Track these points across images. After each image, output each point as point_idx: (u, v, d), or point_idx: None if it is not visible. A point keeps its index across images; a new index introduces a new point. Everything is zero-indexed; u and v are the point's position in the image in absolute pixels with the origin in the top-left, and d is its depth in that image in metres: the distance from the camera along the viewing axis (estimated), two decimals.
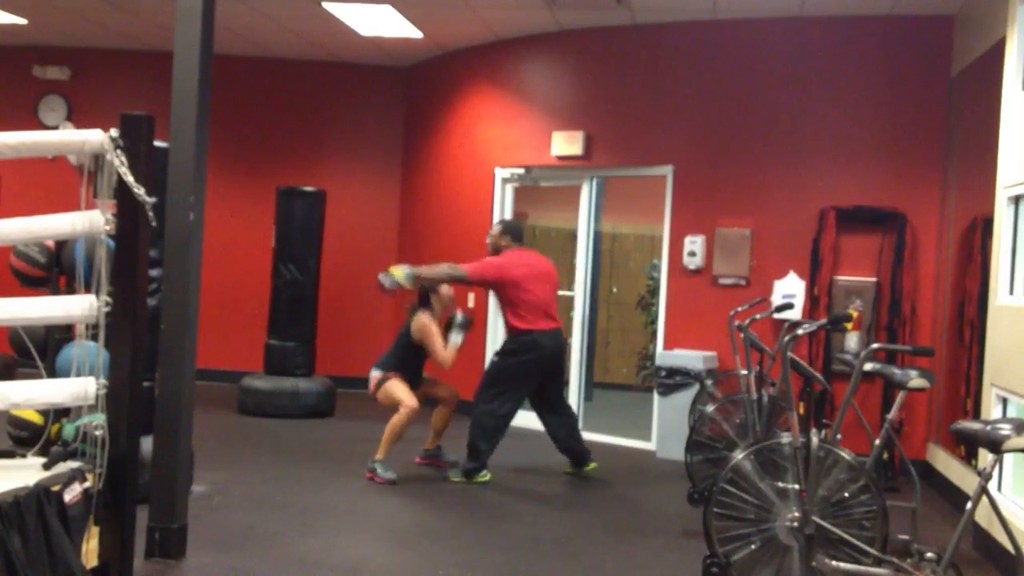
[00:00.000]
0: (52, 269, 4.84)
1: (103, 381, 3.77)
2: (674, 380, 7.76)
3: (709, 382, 7.43)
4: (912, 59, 7.72)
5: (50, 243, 4.78)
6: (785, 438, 4.38)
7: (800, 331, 4.74)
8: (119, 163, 3.72)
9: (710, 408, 6.29)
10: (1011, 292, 5.57)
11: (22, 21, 9.64)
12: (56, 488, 3.40)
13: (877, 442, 4.79)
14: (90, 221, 3.76)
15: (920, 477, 5.44)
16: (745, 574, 4.28)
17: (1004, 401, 5.48)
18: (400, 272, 6.49)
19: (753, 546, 4.30)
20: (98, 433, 3.70)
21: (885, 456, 6.54)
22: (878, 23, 7.77)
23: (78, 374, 3.79)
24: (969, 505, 3.51)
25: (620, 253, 12.36)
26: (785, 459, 4.33)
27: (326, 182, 10.00)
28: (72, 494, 3.47)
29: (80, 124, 10.06)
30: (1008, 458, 5.27)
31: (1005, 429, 3.42)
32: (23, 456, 4.00)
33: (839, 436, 4.79)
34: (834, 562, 4.03)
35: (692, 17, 8.16)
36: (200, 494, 5.77)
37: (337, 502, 5.96)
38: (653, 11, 8.07)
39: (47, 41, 10.62)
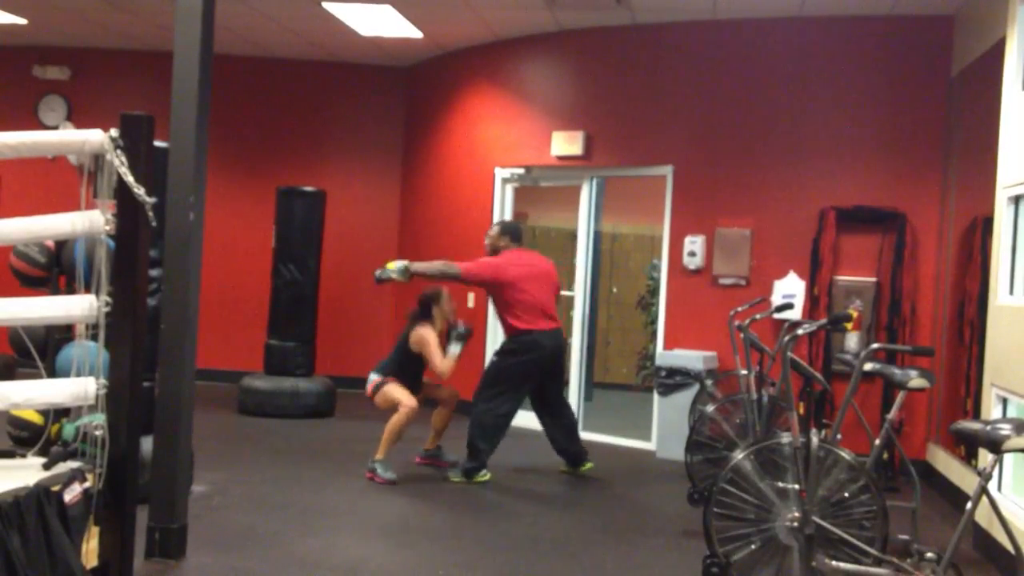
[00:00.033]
0: (52, 269, 4.84)
1: (103, 381, 3.77)
2: (674, 380, 7.76)
3: (709, 382, 7.43)
4: (912, 59, 7.72)
5: (50, 243, 4.77)
6: (785, 438, 4.38)
7: (800, 331, 4.74)
8: (119, 163, 3.72)
9: (710, 408, 6.29)
10: (1011, 292, 5.57)
11: (22, 21, 9.64)
12: (56, 488, 3.40)
13: (877, 442, 4.79)
14: (90, 221, 3.76)
15: (920, 477, 5.44)
16: (745, 574, 4.28)
17: (1004, 401, 5.48)
18: (393, 264, 6.56)
19: (753, 546, 4.30)
20: (98, 433, 3.70)
21: (885, 456, 6.54)
22: (878, 23, 7.77)
23: (78, 374, 3.79)
24: (969, 505, 3.51)
25: (620, 253, 12.36)
26: (785, 459, 4.33)
27: (326, 182, 10.00)
28: (72, 494, 3.47)
29: (80, 124, 10.05)
30: (1008, 458, 5.27)
31: (1005, 429, 3.42)
32: (23, 456, 4.00)
33: (839, 436, 4.79)
34: (834, 562, 4.03)
35: (692, 17, 8.16)
36: (200, 494, 5.77)
37: (337, 502, 5.96)
38: (653, 11, 8.07)
39: (47, 41, 10.62)
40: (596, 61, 8.78)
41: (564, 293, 7.31)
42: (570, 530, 5.65)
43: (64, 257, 4.79)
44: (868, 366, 4.87)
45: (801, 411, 5.88)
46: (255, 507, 5.71)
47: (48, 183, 10.21)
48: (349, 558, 4.88)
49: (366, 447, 6.93)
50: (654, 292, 10.02)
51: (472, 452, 6.65)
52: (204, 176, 4.74)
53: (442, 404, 6.95)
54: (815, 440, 4.18)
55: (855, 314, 5.88)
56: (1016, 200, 5.60)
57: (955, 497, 6.35)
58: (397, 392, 6.54)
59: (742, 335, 5.96)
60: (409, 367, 6.64)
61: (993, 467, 3.48)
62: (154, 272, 4.88)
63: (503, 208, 9.23)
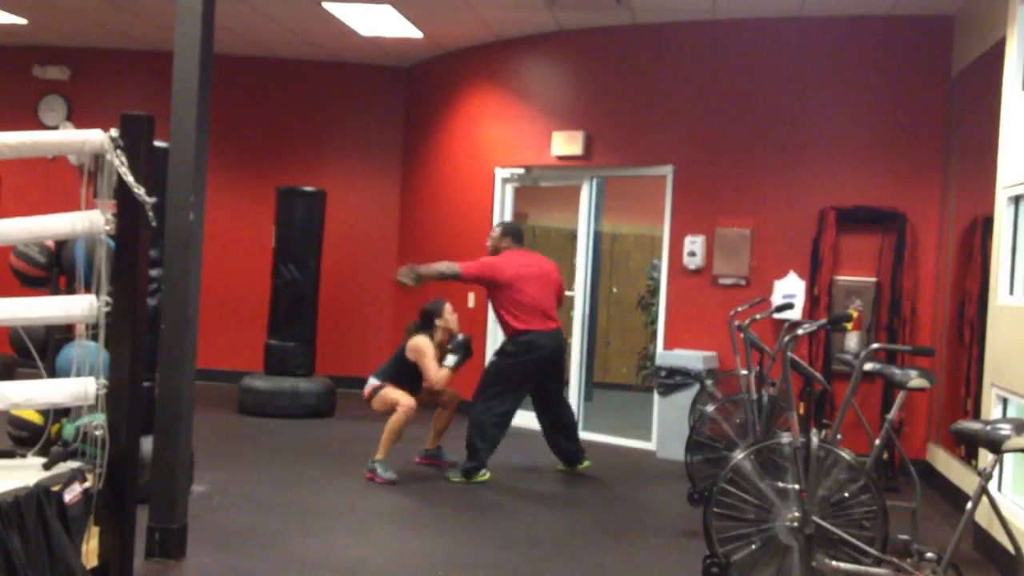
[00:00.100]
0: (52, 269, 4.84)
1: (103, 381, 3.77)
2: (674, 380, 7.76)
3: (709, 382, 7.43)
4: (912, 59, 7.72)
5: (50, 243, 4.77)
6: (785, 438, 4.38)
7: (800, 331, 4.74)
8: (119, 163, 3.71)
9: (710, 408, 6.29)
10: (1011, 292, 5.57)
11: (22, 21, 9.64)
12: (56, 488, 3.40)
13: (877, 442, 4.79)
14: (90, 221, 3.76)
15: (920, 477, 5.44)
16: (745, 574, 4.28)
17: (1004, 401, 5.48)
18: (402, 272, 6.69)
19: (753, 546, 4.30)
20: (98, 433, 3.70)
21: (885, 456, 6.54)
22: (878, 23, 7.77)
23: (78, 374, 3.79)
24: (969, 505, 3.51)
25: (620, 253, 12.36)
26: (785, 459, 4.33)
27: (326, 182, 10.00)
28: (72, 494, 3.47)
29: (80, 124, 10.05)
30: (1008, 458, 5.27)
31: (1005, 429, 3.42)
32: (23, 456, 4.00)
33: (839, 436, 4.79)
34: (834, 562, 4.03)
35: (692, 17, 8.16)
36: (200, 494, 5.77)
37: (337, 502, 5.96)
38: (653, 11, 8.07)
39: (47, 41, 10.62)
40: (596, 61, 8.79)
41: (565, 293, 7.31)
42: (570, 530, 5.65)
43: (64, 257, 4.79)
44: (868, 366, 4.87)
45: (801, 411, 5.88)
46: (255, 507, 5.71)
47: (48, 183, 10.21)
48: (349, 558, 4.88)
49: (366, 447, 6.93)
50: (654, 292, 10.02)
51: (471, 452, 6.66)
52: (204, 176, 4.74)
53: (443, 405, 6.95)
54: (815, 440, 4.18)
55: (855, 314, 5.89)
56: (1016, 200, 5.60)
57: (955, 497, 6.35)
58: (395, 393, 6.54)
59: (742, 335, 5.96)
60: (406, 374, 6.65)
61: (993, 467, 3.48)
62: (154, 272, 4.88)
63: (503, 208, 9.23)
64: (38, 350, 4.40)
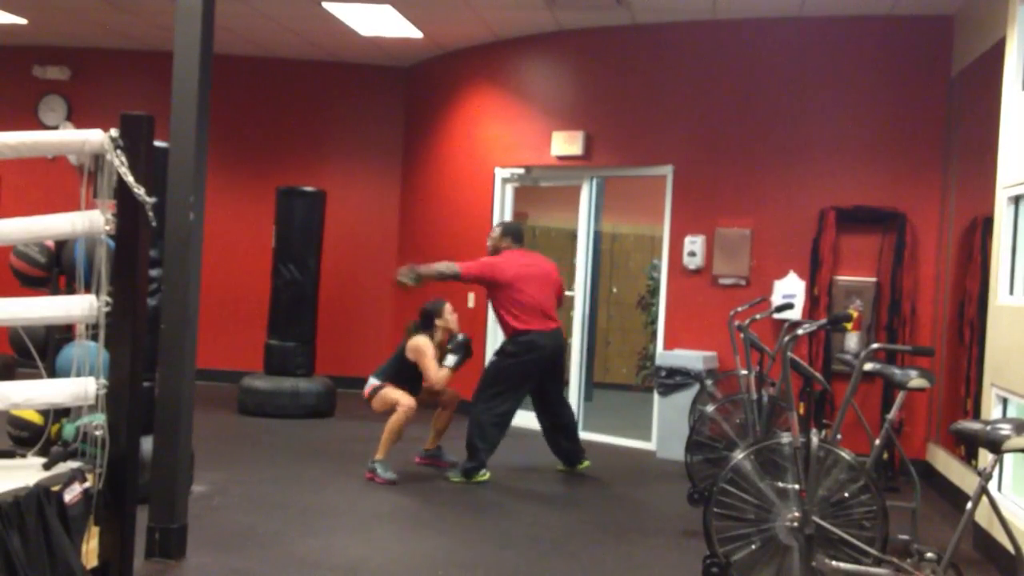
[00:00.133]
0: (52, 269, 4.84)
1: (103, 381, 3.77)
2: (674, 380, 7.76)
3: (709, 382, 7.44)
4: (912, 59, 7.72)
5: (50, 243, 4.77)
6: (785, 438, 4.38)
7: (800, 331, 4.74)
8: (119, 163, 3.72)
9: (710, 408, 6.29)
10: (1011, 292, 5.57)
11: (22, 21, 9.64)
12: (56, 488, 3.40)
13: (877, 442, 4.79)
14: (90, 221, 3.76)
15: (920, 477, 5.44)
16: (745, 574, 4.28)
17: (1004, 401, 5.48)
18: (402, 273, 6.73)
19: (753, 546, 4.30)
20: (98, 433, 3.70)
21: (885, 456, 6.54)
22: (878, 23, 7.77)
23: (78, 374, 3.79)
24: (969, 505, 3.51)
25: (620, 253, 12.36)
26: (785, 459, 4.33)
27: (326, 182, 10.00)
28: (72, 494, 3.47)
29: (80, 124, 10.06)
30: (1008, 458, 5.27)
31: (1005, 429, 3.42)
32: (23, 456, 4.00)
33: (839, 436, 4.79)
34: (834, 562, 4.03)
35: (692, 17, 8.16)
36: (200, 494, 5.77)
37: (337, 502, 5.96)
38: (653, 11, 8.07)
39: (47, 41, 10.62)
40: (596, 61, 8.79)
41: (565, 293, 7.33)
42: (570, 530, 5.65)
43: (64, 257, 4.79)
44: (868, 366, 4.87)
45: (801, 411, 5.87)
46: (255, 507, 5.71)
47: (48, 183, 10.21)
48: (349, 558, 4.88)
49: (366, 447, 6.93)
50: (654, 292, 10.02)
51: (471, 452, 6.66)
52: (204, 176, 4.74)
53: (443, 406, 6.95)
54: (815, 440, 4.18)
55: (855, 314, 5.88)
56: (1016, 200, 5.60)
57: (955, 497, 6.35)
58: (394, 392, 6.54)
59: (742, 335, 5.96)
60: (405, 374, 6.65)
61: (993, 467, 3.48)
62: (154, 272, 4.89)
63: (503, 208, 9.23)
64: (38, 350, 4.40)
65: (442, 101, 10.03)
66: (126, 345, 3.83)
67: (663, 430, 7.89)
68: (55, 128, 10.56)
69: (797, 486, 4.20)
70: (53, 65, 10.76)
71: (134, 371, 3.85)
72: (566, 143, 8.67)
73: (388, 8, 8.24)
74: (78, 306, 3.80)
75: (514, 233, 7.04)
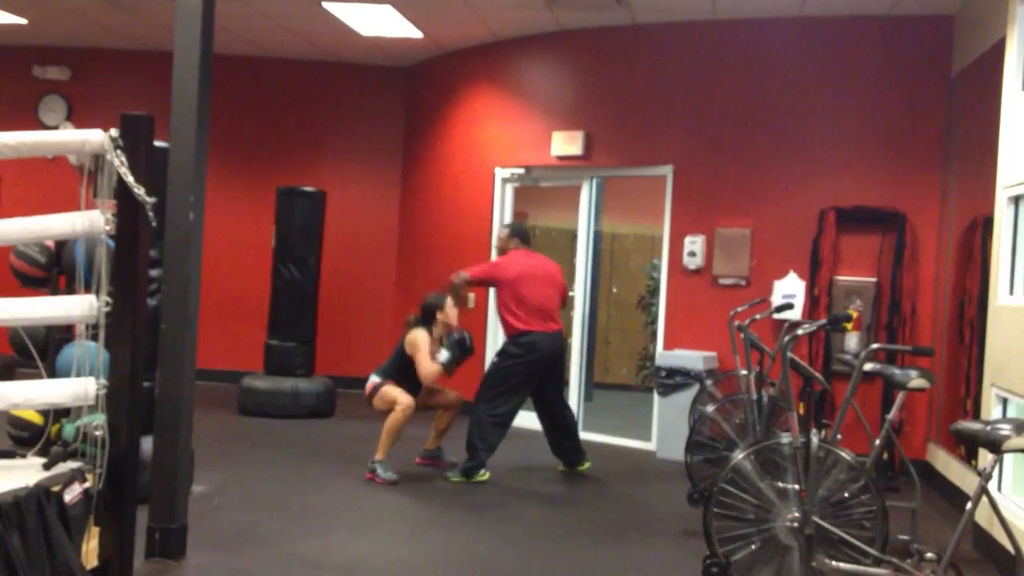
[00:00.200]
0: (52, 269, 4.84)
1: (103, 381, 3.77)
2: (674, 380, 7.76)
3: (709, 382, 7.43)
4: (912, 59, 7.71)
5: (50, 243, 4.77)
6: (785, 438, 4.38)
7: (800, 331, 4.75)
8: (119, 163, 3.72)
9: (710, 408, 6.29)
10: (1011, 292, 5.57)
11: (22, 21, 9.64)
12: (56, 488, 3.40)
13: (877, 442, 4.79)
14: (90, 221, 3.76)
15: (920, 477, 5.44)
16: (745, 574, 4.28)
17: (1004, 401, 5.48)
18: (447, 298, 6.81)
19: (753, 546, 4.30)
20: (98, 433, 3.70)
21: (885, 456, 6.54)
22: (878, 23, 7.77)
23: (78, 374, 3.79)
24: (969, 505, 3.51)
25: (620, 253, 12.36)
26: (785, 459, 4.33)
27: (326, 182, 10.00)
28: (72, 494, 3.47)
29: (80, 124, 10.06)
30: (1008, 458, 5.27)
31: (1005, 429, 3.42)
32: (23, 456, 4.00)
33: (839, 436, 4.79)
34: (834, 562, 4.03)
35: (692, 17, 8.16)
36: (200, 494, 5.77)
37: (337, 502, 5.96)
38: (653, 11, 8.07)
39: (47, 41, 10.62)
40: (596, 61, 8.78)
41: (568, 294, 7.37)
42: (570, 530, 5.65)
43: (64, 257, 4.79)
44: (868, 366, 4.87)
45: (801, 411, 5.86)
46: (255, 507, 5.71)
47: (48, 183, 10.20)
48: (349, 558, 4.88)
49: (366, 447, 6.93)
50: (654, 292, 10.02)
51: (471, 452, 6.67)
52: (204, 176, 4.74)
53: (445, 407, 6.94)
54: (815, 440, 4.18)
55: (855, 314, 5.88)
56: (1016, 200, 5.60)
57: (955, 497, 6.35)
58: (394, 392, 6.54)
59: (742, 335, 5.95)
60: (407, 370, 6.64)
61: (993, 467, 3.48)
62: (154, 272, 4.89)
63: (503, 208, 9.23)
64: (38, 350, 4.40)
65: (442, 101, 10.03)
66: (126, 345, 3.83)
67: (663, 430, 7.89)
68: (55, 128, 10.55)
69: (797, 486, 4.20)
70: (53, 65, 10.76)
71: (134, 371, 3.85)
72: (566, 143, 8.67)
73: (388, 8, 8.24)
74: (78, 306, 3.80)
75: (521, 234, 7.13)
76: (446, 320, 6.73)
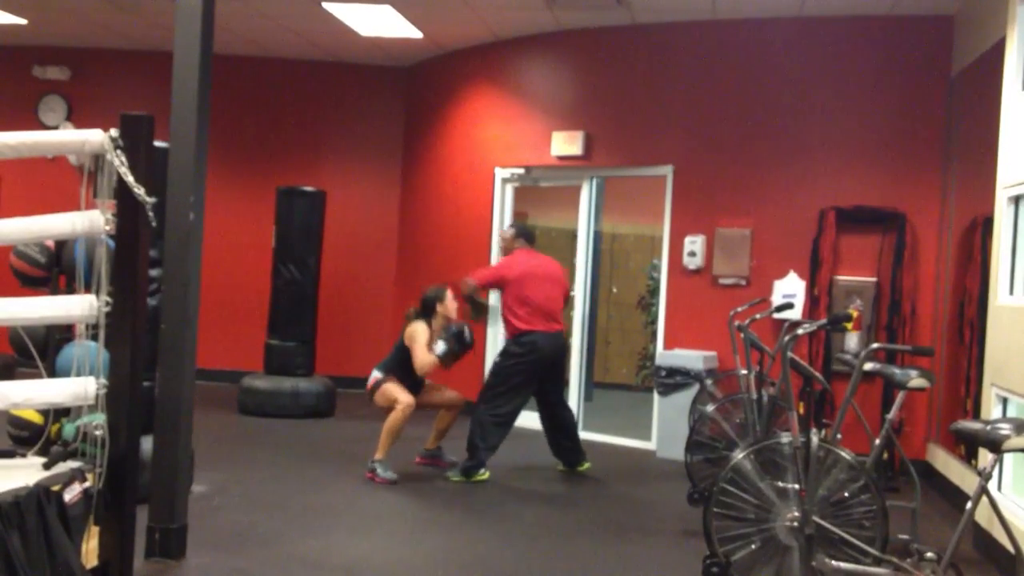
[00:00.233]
0: (52, 269, 4.84)
1: (103, 381, 3.77)
2: (674, 380, 7.76)
3: (709, 382, 7.43)
4: (912, 59, 7.71)
5: (50, 243, 4.78)
6: (785, 438, 4.38)
7: (800, 331, 4.75)
8: (119, 163, 3.72)
9: (710, 408, 6.29)
10: (1011, 292, 5.57)
11: (22, 21, 9.64)
12: (56, 488, 3.40)
13: (877, 442, 4.79)
14: (90, 221, 3.76)
15: (920, 477, 5.44)
16: (745, 574, 4.28)
17: (1004, 401, 5.48)
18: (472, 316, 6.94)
19: (753, 546, 4.30)
20: (98, 433, 3.70)
21: (885, 456, 6.53)
22: (878, 23, 7.77)
23: (78, 374, 3.79)
24: (969, 505, 3.51)
25: (620, 253, 12.36)
26: (785, 459, 4.33)
27: (326, 182, 10.00)
28: (72, 494, 3.47)
29: (80, 124, 10.06)
30: (1008, 458, 5.27)
31: (1005, 429, 3.42)
32: (23, 456, 4.00)
33: (839, 436, 4.79)
34: (834, 562, 4.03)
35: (692, 17, 8.16)
36: (200, 494, 5.76)
37: (337, 502, 5.96)
38: (653, 11, 8.07)
39: (47, 41, 10.62)
40: (596, 61, 8.78)
41: (570, 295, 7.40)
42: (570, 529, 5.65)
43: (64, 257, 4.79)
44: (868, 366, 4.87)
45: (801, 411, 5.87)
46: (255, 507, 5.71)
47: (48, 183, 10.20)
48: (349, 558, 4.88)
49: (366, 447, 6.93)
50: (654, 292, 10.02)
51: (471, 451, 6.67)
52: (204, 176, 4.74)
53: (446, 407, 6.93)
54: (815, 440, 4.18)
55: (855, 314, 5.87)
56: (1016, 200, 5.60)
57: (955, 497, 6.35)
58: (395, 390, 6.54)
59: (742, 335, 5.95)
60: (407, 364, 6.64)
61: (993, 467, 3.48)
62: (154, 272, 4.89)
63: (503, 208, 9.23)
64: (38, 350, 4.40)
65: (442, 101, 10.03)
66: (126, 345, 3.83)
67: (663, 430, 7.89)
68: (55, 128, 10.55)
69: (797, 486, 4.20)
70: (53, 65, 10.76)
71: (134, 371, 3.85)
72: (566, 143, 8.67)
73: (388, 8, 8.24)
74: (78, 306, 3.80)
75: (526, 234, 7.17)
76: (446, 313, 6.73)
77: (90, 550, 3.66)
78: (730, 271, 8.05)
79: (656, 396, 7.98)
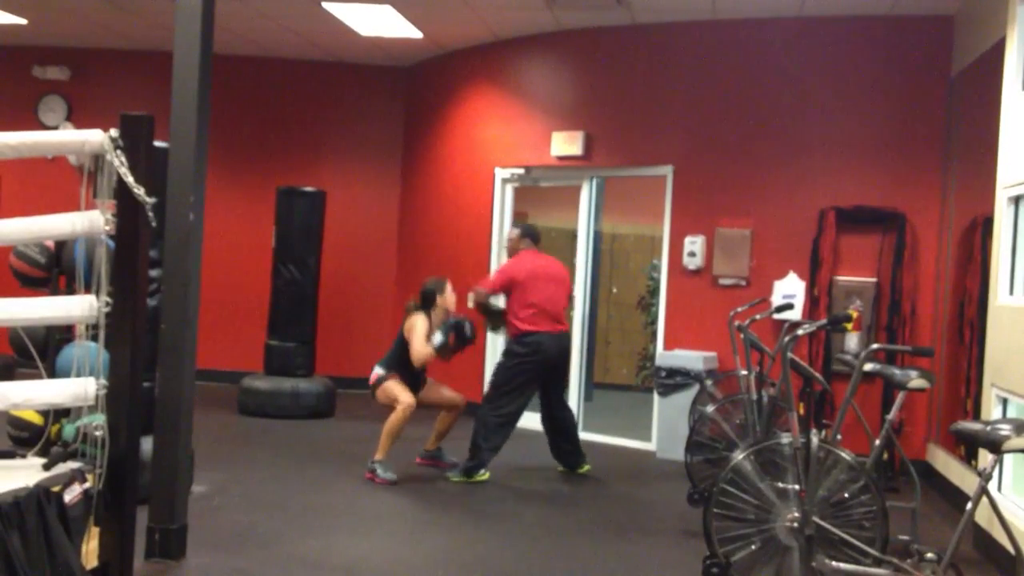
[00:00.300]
0: (52, 269, 4.84)
1: (103, 381, 3.77)
2: (674, 380, 7.76)
3: (709, 382, 7.43)
4: (912, 59, 7.71)
5: (50, 243, 4.77)
6: (785, 438, 4.38)
7: (800, 331, 4.74)
8: (119, 163, 3.71)
9: (710, 408, 6.29)
10: (1011, 292, 5.57)
11: (22, 21, 9.64)
12: (56, 488, 3.40)
13: (877, 442, 4.79)
14: (90, 221, 3.76)
15: (920, 477, 5.44)
16: (745, 574, 4.28)
17: (1004, 401, 5.48)
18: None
19: (753, 546, 4.30)
20: (98, 433, 3.70)
21: (885, 456, 6.53)
22: (878, 23, 7.77)
23: (78, 374, 3.79)
24: (969, 505, 3.51)
25: (620, 253, 12.36)
26: (785, 459, 4.33)
27: (326, 182, 10.00)
28: (72, 494, 3.47)
29: (80, 124, 10.05)
30: (1008, 458, 5.27)
31: (1005, 429, 3.42)
32: (23, 456, 4.00)
33: (839, 436, 4.79)
34: (834, 563, 4.03)
35: (692, 17, 8.16)
36: (200, 494, 5.76)
37: (337, 502, 5.96)
38: (653, 11, 8.07)
39: (47, 41, 10.62)
40: (596, 61, 8.78)
41: (572, 294, 7.41)
42: (570, 529, 5.65)
43: (64, 257, 4.79)
44: (868, 366, 4.87)
45: (801, 411, 5.88)
46: (255, 507, 5.71)
47: (48, 183, 10.20)
48: (349, 558, 4.88)
49: (366, 447, 6.93)
50: (654, 292, 10.02)
51: (473, 451, 6.68)
52: (204, 176, 4.74)
53: (447, 408, 6.92)
54: (815, 440, 4.18)
55: (855, 314, 5.87)
56: (1016, 200, 5.60)
57: (955, 497, 6.35)
58: (396, 389, 6.53)
59: (742, 335, 5.95)
60: (407, 358, 6.62)
61: (993, 467, 3.48)
62: (154, 272, 4.89)
63: (503, 208, 9.23)
64: (38, 350, 4.40)
65: (442, 101, 10.03)
66: (126, 345, 3.83)
67: (663, 430, 7.89)
68: (55, 128, 10.55)
69: (797, 486, 4.20)
70: (53, 65, 10.76)
71: (134, 371, 3.85)
72: (566, 143, 8.67)
73: (388, 8, 8.24)
74: (78, 306, 3.80)
75: (532, 235, 7.18)
76: (445, 305, 6.73)
77: (90, 551, 3.66)
78: (730, 271, 8.05)
79: (656, 397, 7.98)
